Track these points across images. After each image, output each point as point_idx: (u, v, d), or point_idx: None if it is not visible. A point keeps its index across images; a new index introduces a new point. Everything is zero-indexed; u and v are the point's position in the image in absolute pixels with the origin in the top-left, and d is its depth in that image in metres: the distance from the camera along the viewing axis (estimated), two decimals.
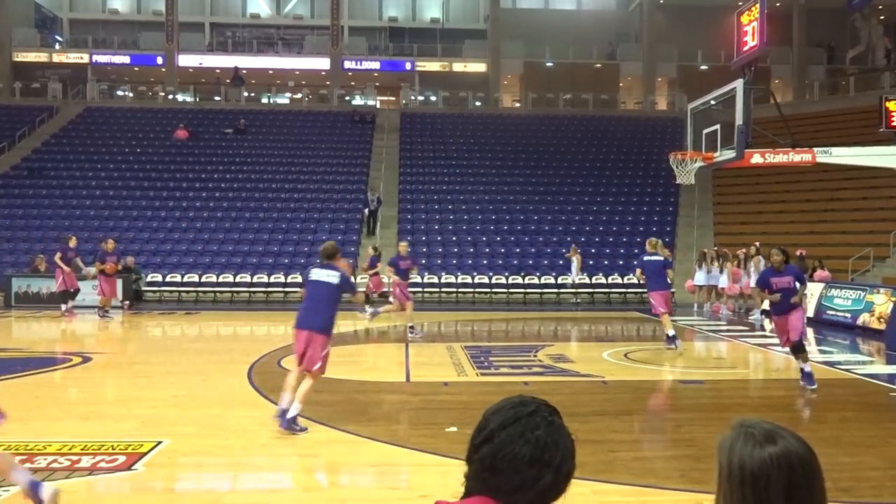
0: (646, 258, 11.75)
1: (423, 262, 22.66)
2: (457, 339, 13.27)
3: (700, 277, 18.73)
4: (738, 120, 12.38)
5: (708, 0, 35.51)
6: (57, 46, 37.24)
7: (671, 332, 11.53)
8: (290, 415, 6.24)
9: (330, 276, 6.64)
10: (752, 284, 17.35)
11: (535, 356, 11.06)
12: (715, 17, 34.24)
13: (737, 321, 16.74)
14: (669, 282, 12.04)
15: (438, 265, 22.39)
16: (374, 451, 5.83)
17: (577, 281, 20.93)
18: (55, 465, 5.27)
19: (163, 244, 22.70)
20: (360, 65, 36.12)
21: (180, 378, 9.14)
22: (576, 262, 20.83)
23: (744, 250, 18.23)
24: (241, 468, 5.54)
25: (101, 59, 35.67)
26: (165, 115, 30.54)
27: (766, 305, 17.35)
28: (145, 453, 5.56)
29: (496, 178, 26.69)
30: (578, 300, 21.03)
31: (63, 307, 16.29)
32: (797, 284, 8.49)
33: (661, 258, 11.70)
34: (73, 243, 16.61)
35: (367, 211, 24.11)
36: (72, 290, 16.38)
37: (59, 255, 16.24)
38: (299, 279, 21.09)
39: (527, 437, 1.40)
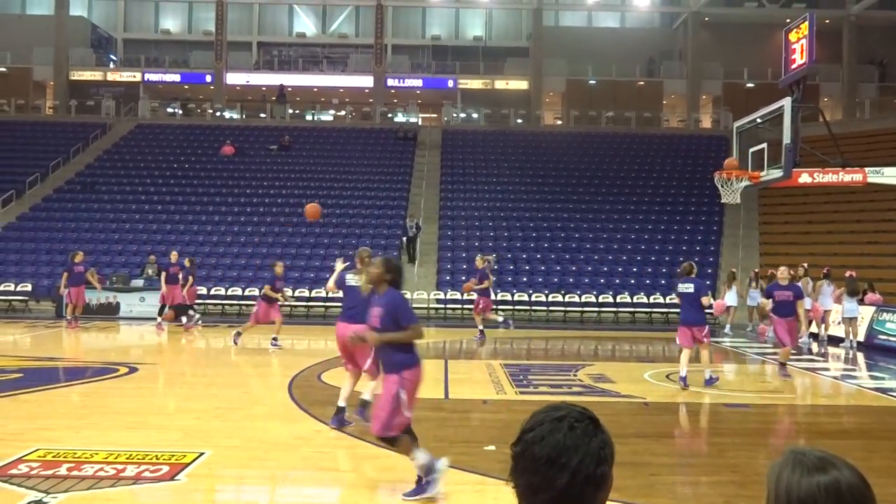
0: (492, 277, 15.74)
1: (463, 278, 22.67)
2: (496, 357, 13.20)
3: (730, 298, 18.14)
4: (786, 138, 12.17)
5: (754, 17, 35.12)
6: (111, 65, 38.50)
7: (481, 329, 15.34)
8: (706, 377, 9.87)
9: (688, 287, 9.84)
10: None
11: (576, 375, 10.94)
12: (761, 35, 33.83)
13: None
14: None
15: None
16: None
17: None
18: (101, 473, 5.38)
19: (208, 258, 23.13)
20: (403, 82, 36.50)
21: (223, 390, 9.28)
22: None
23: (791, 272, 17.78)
24: (281, 481, 5.59)
25: (152, 77, 36.76)
26: (213, 132, 31.27)
27: (813, 328, 16.93)
28: (188, 464, 5.65)
29: (537, 195, 26.61)
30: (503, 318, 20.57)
31: (158, 319, 16.88)
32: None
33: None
34: (174, 258, 17.18)
35: (405, 238, 23.64)
36: (169, 305, 16.82)
37: (164, 273, 16.89)
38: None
39: (547, 440, 1.45)
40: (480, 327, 15.46)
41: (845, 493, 1.33)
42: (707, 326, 10.07)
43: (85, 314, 18.70)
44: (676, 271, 12.18)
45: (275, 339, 13.87)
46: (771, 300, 10.81)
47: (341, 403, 7.06)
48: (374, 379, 6.79)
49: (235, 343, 13.52)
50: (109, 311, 19.09)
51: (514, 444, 1.53)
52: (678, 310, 20.63)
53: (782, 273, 10.99)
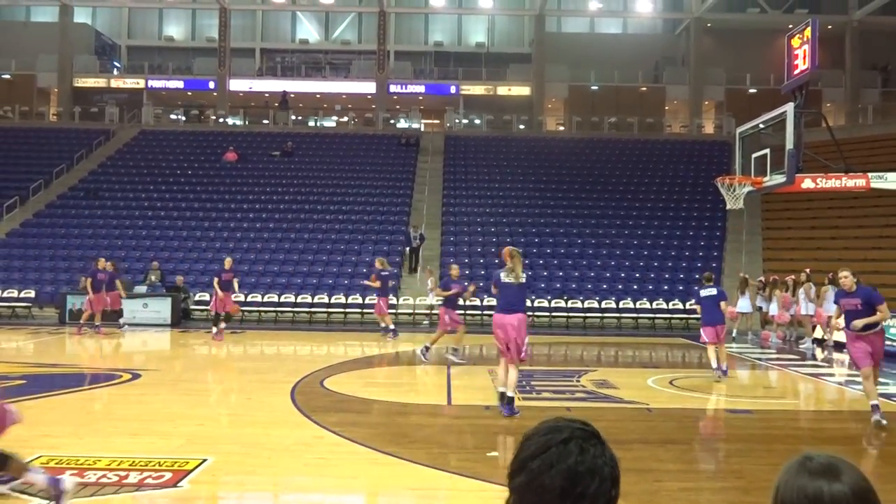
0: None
1: (465, 283, 22.65)
2: (498, 363, 13.16)
3: (743, 304, 18.19)
4: (789, 144, 12.17)
5: (757, 23, 35.15)
6: (115, 72, 38.63)
7: (388, 327, 16.37)
8: (724, 368, 10.98)
9: (711, 292, 11.35)
10: (804, 312, 16.94)
11: (578, 381, 10.92)
12: (764, 40, 33.86)
13: (787, 349, 16.29)
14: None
15: (480, 288, 22.33)
16: (415, 474, 5.81)
17: (433, 302, 20.68)
18: (104, 480, 5.38)
19: (210, 264, 23.13)
20: (406, 88, 36.57)
21: (225, 396, 9.28)
22: (430, 283, 20.69)
23: (793, 277, 17.78)
24: (283, 488, 5.58)
25: (156, 83, 36.86)
26: (216, 138, 31.34)
27: (817, 334, 16.91)
28: (190, 471, 5.64)
29: (539, 201, 26.62)
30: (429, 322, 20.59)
31: (214, 329, 15.91)
32: None
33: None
34: (228, 265, 16.34)
35: (408, 249, 23.33)
36: (223, 314, 15.96)
37: (216, 279, 16.11)
38: (343, 300, 21.39)
39: (558, 468, 1.30)
40: (390, 326, 16.48)
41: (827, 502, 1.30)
42: (725, 326, 11.56)
43: (88, 320, 18.73)
44: (698, 279, 12.73)
45: (455, 349, 13.01)
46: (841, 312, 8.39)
47: (501, 389, 8.09)
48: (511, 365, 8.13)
49: (425, 357, 12.47)
50: (112, 318, 19.09)
51: (514, 473, 1.34)
52: (681, 315, 20.78)
53: (846, 277, 8.25)
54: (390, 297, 17.60)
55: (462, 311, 20.56)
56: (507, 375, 8.02)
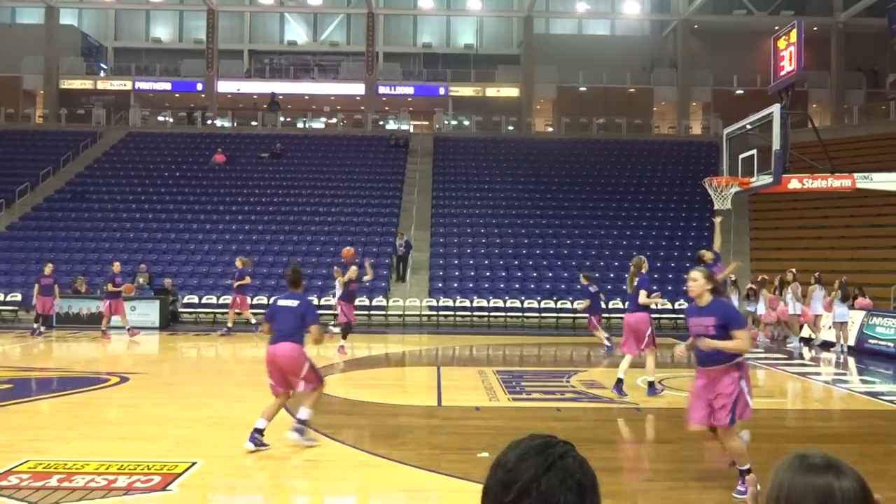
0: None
1: (455, 285, 22.69)
2: (488, 364, 13.20)
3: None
4: (776, 145, 12.25)
5: (743, 25, 35.38)
6: (102, 74, 38.38)
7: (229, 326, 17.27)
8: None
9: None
10: (791, 311, 17.05)
11: (568, 381, 10.95)
12: (750, 42, 34.10)
13: (774, 349, 16.40)
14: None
15: (470, 289, 22.36)
16: (405, 475, 5.81)
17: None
18: (92, 484, 5.34)
19: (199, 266, 23.05)
20: (395, 90, 36.55)
21: (215, 399, 9.24)
22: (338, 283, 20.77)
23: (779, 277, 17.92)
24: (273, 491, 5.57)
25: (143, 85, 36.66)
26: (204, 140, 31.20)
27: (805, 333, 17.03)
28: (180, 474, 5.62)
29: (529, 202, 26.67)
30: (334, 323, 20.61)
31: (343, 342, 14.27)
32: None
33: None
34: (354, 274, 14.75)
35: (395, 257, 23.16)
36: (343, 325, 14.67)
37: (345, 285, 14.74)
38: (332, 301, 21.32)
39: (567, 484, 1.24)
40: (229, 324, 17.66)
41: (788, 495, 1.32)
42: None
43: (76, 324, 18.64)
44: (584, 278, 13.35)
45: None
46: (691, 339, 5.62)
47: (621, 375, 9.62)
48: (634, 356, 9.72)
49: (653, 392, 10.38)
50: (101, 321, 18.97)
51: (518, 497, 1.24)
52: (669, 315, 20.87)
53: (695, 281, 5.49)
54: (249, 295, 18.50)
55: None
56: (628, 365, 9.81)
